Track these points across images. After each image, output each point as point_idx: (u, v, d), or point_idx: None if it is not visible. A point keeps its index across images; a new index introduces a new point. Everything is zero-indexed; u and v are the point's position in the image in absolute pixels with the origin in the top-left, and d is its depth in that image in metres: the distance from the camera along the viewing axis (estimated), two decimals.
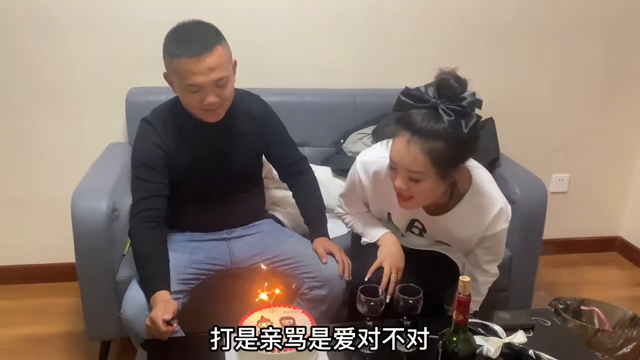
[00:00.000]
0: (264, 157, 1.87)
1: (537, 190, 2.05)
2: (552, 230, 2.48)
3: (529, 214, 2.02)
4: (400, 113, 1.39)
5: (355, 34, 2.39)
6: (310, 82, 2.37)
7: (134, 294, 1.56)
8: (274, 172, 2.07)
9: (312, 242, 1.78)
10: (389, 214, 1.69)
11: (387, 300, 1.48)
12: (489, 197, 1.52)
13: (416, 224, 1.65)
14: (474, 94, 1.36)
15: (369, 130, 2.27)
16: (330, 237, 2.11)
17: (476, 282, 1.69)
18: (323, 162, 2.30)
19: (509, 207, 1.56)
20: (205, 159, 1.69)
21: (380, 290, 1.44)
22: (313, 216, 1.84)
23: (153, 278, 1.55)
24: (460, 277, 1.14)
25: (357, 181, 1.64)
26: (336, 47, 2.39)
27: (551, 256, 2.74)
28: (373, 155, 1.60)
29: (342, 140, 2.31)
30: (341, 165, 2.23)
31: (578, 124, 2.72)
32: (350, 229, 1.84)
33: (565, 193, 2.81)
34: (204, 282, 1.71)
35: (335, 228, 2.18)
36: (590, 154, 2.78)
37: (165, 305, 1.42)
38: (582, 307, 2.10)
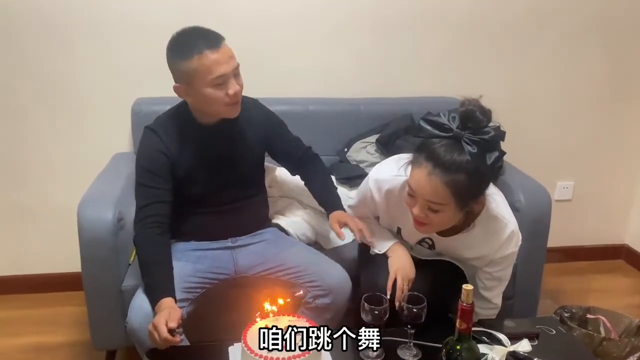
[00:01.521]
0: (266, 162, 1.88)
1: (542, 198, 2.05)
2: (558, 238, 2.47)
3: (533, 221, 2.01)
4: (421, 140, 1.37)
5: (359, 44, 2.40)
6: (314, 91, 2.39)
7: (140, 303, 1.56)
8: (278, 179, 2.09)
9: (328, 219, 1.78)
10: (399, 229, 1.69)
11: (397, 307, 1.48)
12: (502, 221, 1.51)
13: (426, 239, 1.65)
14: (498, 127, 1.33)
15: (372, 139, 2.28)
16: (336, 245, 2.13)
17: (475, 314, 1.66)
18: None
19: (519, 232, 1.55)
20: (209, 164, 1.70)
21: (396, 304, 1.45)
22: (324, 193, 1.85)
23: (158, 285, 1.56)
24: (464, 286, 1.14)
25: (369, 197, 1.64)
26: (339, 57, 2.41)
27: (557, 264, 2.73)
28: (386, 174, 1.59)
29: (346, 149, 2.32)
30: (345, 173, 2.25)
31: (583, 131, 2.72)
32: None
33: (570, 201, 2.80)
34: (208, 291, 1.72)
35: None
36: (595, 161, 2.78)
37: (170, 313, 1.43)
38: (588, 316, 2.10)
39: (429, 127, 1.33)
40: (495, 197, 1.53)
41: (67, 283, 2.40)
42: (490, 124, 1.32)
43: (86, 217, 1.74)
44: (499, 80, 2.53)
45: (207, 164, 1.70)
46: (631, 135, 2.77)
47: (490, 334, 1.46)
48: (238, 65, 1.59)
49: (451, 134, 1.31)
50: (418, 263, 1.68)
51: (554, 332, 1.56)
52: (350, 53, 2.41)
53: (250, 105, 1.76)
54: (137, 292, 1.62)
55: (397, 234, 1.72)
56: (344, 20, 2.36)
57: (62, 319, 2.32)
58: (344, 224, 1.72)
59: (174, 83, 1.61)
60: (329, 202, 1.83)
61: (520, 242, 1.56)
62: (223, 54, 1.53)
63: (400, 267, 1.62)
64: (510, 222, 1.52)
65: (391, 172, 1.57)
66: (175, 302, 1.52)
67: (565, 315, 2.07)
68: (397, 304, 1.47)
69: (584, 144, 2.74)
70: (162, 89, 2.14)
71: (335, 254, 2.00)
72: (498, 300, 1.67)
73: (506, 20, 2.45)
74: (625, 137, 2.77)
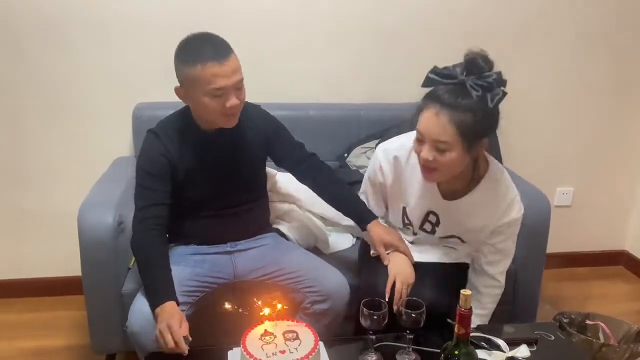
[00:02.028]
0: (267, 167, 1.89)
1: (541, 204, 2.05)
2: (557, 243, 2.48)
3: (532, 227, 2.01)
4: (429, 90, 1.46)
5: (359, 50, 2.41)
6: (315, 96, 2.40)
7: (140, 307, 1.56)
8: (279, 185, 2.09)
9: (365, 231, 1.72)
10: (404, 210, 1.70)
11: (395, 310, 1.50)
12: (504, 185, 1.58)
13: (430, 217, 1.67)
14: (500, 73, 1.41)
15: (372, 144, 2.29)
16: (336, 250, 2.14)
17: (479, 294, 1.69)
18: None
19: (521, 202, 1.60)
20: (209, 168, 1.71)
21: (395, 307, 1.46)
22: (348, 204, 1.79)
23: (158, 287, 1.56)
24: (462, 291, 1.15)
25: (378, 167, 1.68)
26: (340, 62, 2.42)
27: (557, 270, 2.74)
28: (393, 143, 1.67)
29: (346, 154, 2.33)
30: (346, 179, 2.24)
31: (582, 137, 2.72)
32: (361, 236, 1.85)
33: (570, 207, 2.81)
34: (208, 295, 1.72)
35: (341, 240, 2.20)
36: (595, 167, 2.78)
37: (182, 323, 1.45)
38: (587, 322, 2.09)
39: (436, 77, 1.43)
40: (499, 165, 1.61)
41: (67, 287, 2.41)
42: (492, 71, 1.42)
43: (87, 220, 1.75)
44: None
45: (207, 168, 1.71)
46: (631, 141, 2.78)
47: (489, 339, 1.47)
48: (241, 79, 1.58)
49: (456, 80, 1.41)
50: (418, 267, 1.69)
51: (553, 337, 1.56)
52: (351, 58, 2.42)
53: (252, 111, 1.77)
54: (137, 295, 1.62)
55: (403, 216, 1.72)
56: (344, 26, 2.37)
57: (61, 322, 2.32)
58: (390, 245, 1.68)
59: (176, 85, 1.62)
60: (358, 213, 1.75)
61: (522, 211, 1.60)
62: (227, 67, 1.53)
63: (400, 272, 1.63)
64: (512, 188, 1.59)
65: (399, 140, 1.66)
66: (178, 304, 1.53)
67: (565, 321, 2.07)
68: (395, 307, 1.48)
69: (584, 150, 2.75)
70: (163, 94, 2.15)
71: (334, 258, 2.01)
72: (502, 278, 1.69)
73: (507, 26, 2.46)
74: (625, 144, 2.78)
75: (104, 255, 1.76)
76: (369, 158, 2.26)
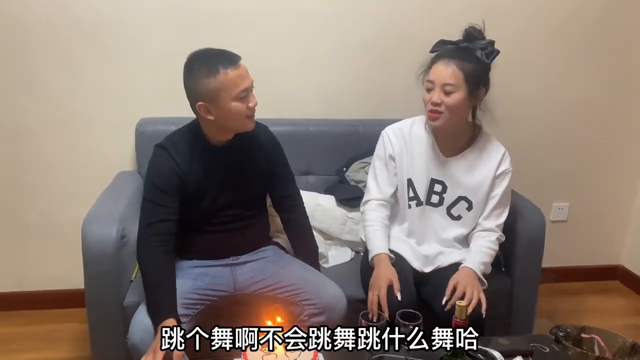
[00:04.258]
0: None
1: (536, 218, 2.08)
2: (553, 258, 2.50)
3: (528, 242, 2.05)
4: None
5: (358, 67, 2.46)
6: (315, 112, 2.44)
7: (141, 319, 1.59)
8: None
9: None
10: (409, 182, 1.89)
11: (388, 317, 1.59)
12: (495, 144, 1.89)
13: (436, 187, 1.87)
14: (492, 41, 1.78)
15: (370, 159, 2.32)
16: (334, 263, 2.16)
17: (481, 246, 1.84)
18: (327, 191, 2.35)
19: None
20: (217, 183, 1.74)
21: (385, 315, 1.55)
22: (309, 256, 1.93)
23: (161, 304, 1.58)
24: (457, 302, 1.18)
25: (386, 140, 1.93)
26: (340, 79, 2.46)
27: (553, 284, 2.76)
28: (395, 124, 1.96)
29: (344, 169, 2.37)
30: (345, 194, 2.29)
31: (578, 153, 2.76)
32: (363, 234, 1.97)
33: (566, 222, 2.84)
34: (208, 307, 1.74)
35: (339, 255, 2.23)
36: (590, 182, 2.82)
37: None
38: (583, 335, 2.11)
39: (442, 44, 1.80)
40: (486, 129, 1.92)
41: (69, 300, 2.42)
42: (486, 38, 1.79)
43: (90, 233, 1.78)
44: (494, 101, 2.57)
45: (215, 183, 1.74)
46: (626, 156, 2.81)
47: (485, 351, 1.49)
48: (253, 80, 1.67)
49: (459, 44, 1.78)
50: (419, 277, 1.81)
51: (548, 350, 1.58)
52: (350, 75, 2.47)
53: (259, 129, 1.82)
54: (139, 307, 1.64)
55: (409, 188, 1.90)
56: (343, 44, 2.42)
57: (63, 335, 2.33)
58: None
59: (183, 100, 1.65)
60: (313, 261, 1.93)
61: (511, 167, 1.88)
62: (242, 69, 1.62)
63: (374, 283, 1.73)
64: (501, 146, 1.90)
65: (399, 122, 1.96)
66: (179, 322, 1.54)
67: (560, 334, 2.08)
68: (385, 315, 1.58)
69: (579, 166, 2.78)
70: (166, 109, 2.21)
71: (334, 272, 2.04)
72: (499, 230, 1.88)
73: (502, 43, 2.49)
74: (620, 159, 2.81)
75: (107, 268, 1.78)
76: (366, 173, 2.29)
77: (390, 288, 1.70)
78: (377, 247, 1.83)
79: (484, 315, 1.67)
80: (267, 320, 1.41)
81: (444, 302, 1.70)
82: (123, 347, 1.68)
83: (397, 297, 1.68)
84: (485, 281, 1.77)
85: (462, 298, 1.66)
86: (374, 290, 1.71)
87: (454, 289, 1.71)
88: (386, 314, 1.60)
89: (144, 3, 2.24)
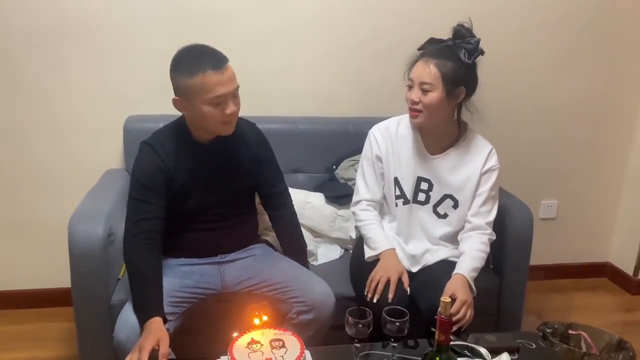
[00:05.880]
0: None
1: (524, 216, 2.08)
2: (542, 256, 2.52)
3: (516, 239, 2.06)
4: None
5: (348, 66, 2.46)
6: (305, 110, 2.44)
7: (127, 317, 1.58)
8: None
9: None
10: (396, 180, 1.90)
11: (368, 299, 1.71)
12: (482, 141, 1.89)
13: (422, 185, 1.87)
14: (479, 39, 1.77)
15: (359, 157, 2.32)
16: (324, 261, 2.16)
17: (471, 248, 1.82)
18: (316, 189, 2.35)
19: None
20: (203, 180, 1.74)
21: (369, 296, 1.66)
22: (297, 254, 1.92)
23: (147, 302, 1.57)
24: (442, 298, 1.18)
25: (372, 140, 1.95)
26: (330, 78, 2.47)
27: (542, 282, 2.78)
28: (382, 122, 1.98)
29: (334, 167, 2.37)
30: (334, 192, 2.29)
31: (567, 150, 2.78)
32: (357, 233, 2.01)
33: (554, 219, 2.85)
34: (195, 305, 1.74)
35: (328, 253, 2.23)
36: (579, 180, 2.83)
37: (161, 340, 1.44)
38: (570, 331, 2.12)
39: (429, 43, 1.80)
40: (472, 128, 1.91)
41: (56, 299, 2.42)
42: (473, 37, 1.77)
43: (77, 231, 1.76)
44: (485, 100, 2.58)
45: (201, 181, 1.73)
46: (614, 154, 2.83)
47: (471, 347, 1.50)
48: (238, 86, 1.63)
49: (444, 43, 1.78)
50: (409, 276, 1.80)
51: (535, 346, 1.59)
52: (340, 74, 2.47)
53: (247, 127, 1.81)
54: (125, 305, 1.64)
55: (395, 187, 1.90)
56: (334, 43, 2.42)
57: (50, 334, 2.32)
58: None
59: (171, 98, 1.64)
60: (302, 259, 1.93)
61: (498, 164, 1.87)
62: (225, 75, 1.58)
63: (384, 269, 1.76)
64: (488, 143, 1.89)
65: (386, 120, 1.97)
66: (165, 320, 1.54)
67: (548, 330, 2.10)
68: (369, 295, 1.71)
69: (568, 164, 2.80)
70: (154, 106, 2.20)
71: (323, 270, 2.04)
72: (489, 227, 1.87)
73: (493, 43, 2.51)
74: (608, 157, 2.83)
75: (94, 267, 1.77)
76: (356, 170, 2.30)
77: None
78: (383, 243, 1.85)
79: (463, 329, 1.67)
80: (254, 318, 1.42)
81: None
82: (110, 345, 1.67)
83: (406, 290, 1.74)
84: (475, 290, 1.75)
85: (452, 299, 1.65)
86: (382, 273, 1.74)
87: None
88: (391, 295, 1.68)
89: (132, 2, 2.23)
